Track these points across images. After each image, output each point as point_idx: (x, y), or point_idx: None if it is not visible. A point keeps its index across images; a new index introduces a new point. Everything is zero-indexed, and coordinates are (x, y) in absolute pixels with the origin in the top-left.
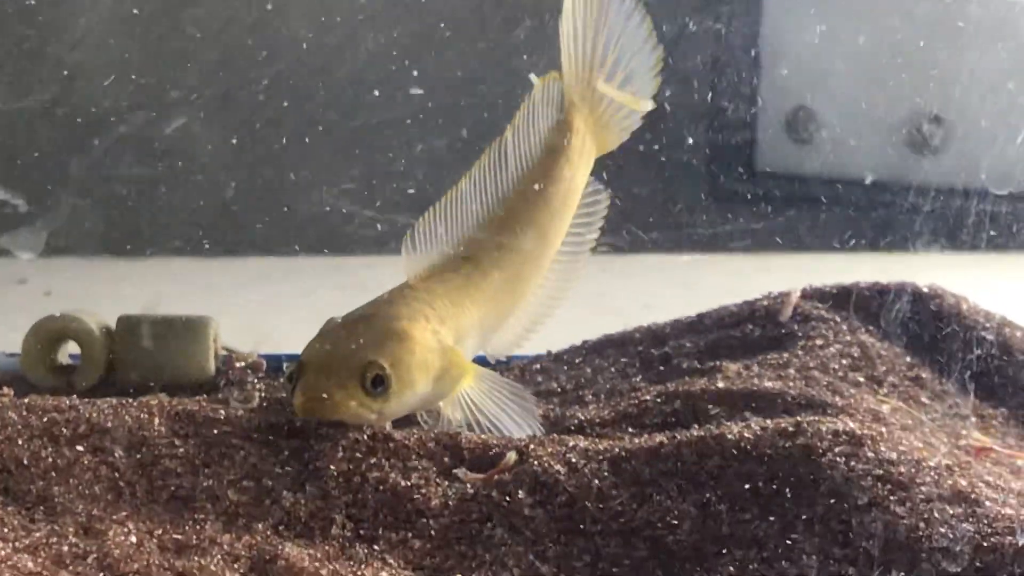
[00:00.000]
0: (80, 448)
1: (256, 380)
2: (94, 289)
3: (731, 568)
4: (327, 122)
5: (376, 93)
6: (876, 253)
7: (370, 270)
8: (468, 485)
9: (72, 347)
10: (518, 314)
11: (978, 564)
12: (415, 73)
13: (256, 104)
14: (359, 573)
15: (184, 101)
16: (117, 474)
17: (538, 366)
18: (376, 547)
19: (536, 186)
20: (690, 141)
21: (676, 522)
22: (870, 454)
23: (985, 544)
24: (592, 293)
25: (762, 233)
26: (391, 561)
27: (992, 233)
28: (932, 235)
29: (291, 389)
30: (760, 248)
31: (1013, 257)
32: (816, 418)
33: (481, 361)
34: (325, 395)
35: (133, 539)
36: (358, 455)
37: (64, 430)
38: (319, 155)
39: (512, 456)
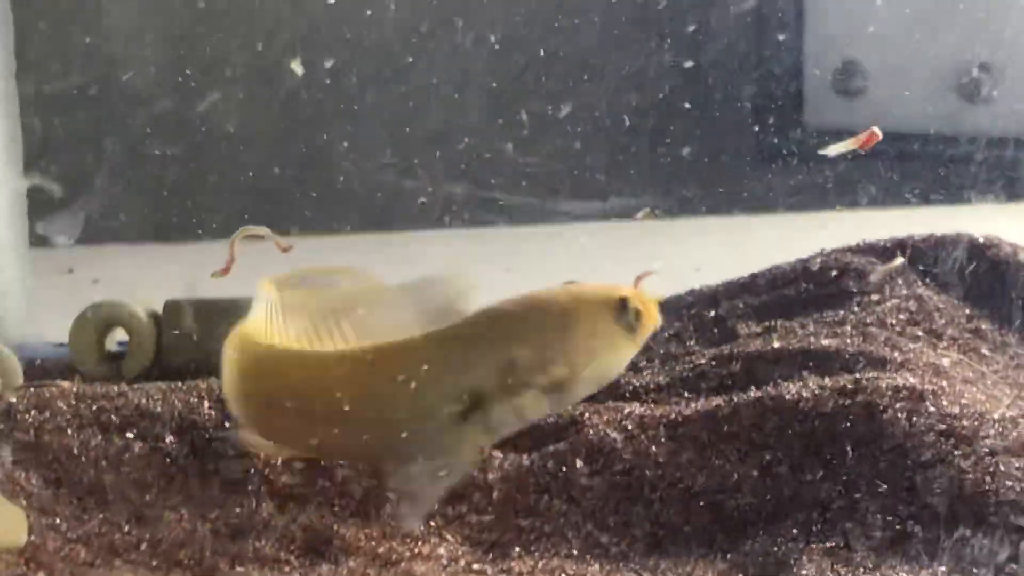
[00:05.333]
0: (130, 435)
1: None
2: (142, 275)
3: (794, 530)
4: (368, 98)
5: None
6: (930, 206)
7: (416, 245)
8: (524, 457)
9: (120, 334)
10: None
11: None
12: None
13: (297, 83)
14: (416, 550)
15: (224, 82)
16: (168, 460)
17: None
18: (433, 523)
19: None
20: (737, 100)
21: (737, 486)
22: (932, 409)
23: None
24: (641, 257)
25: (813, 190)
26: (448, 537)
27: None
28: (986, 185)
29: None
30: (811, 206)
31: None
32: (876, 374)
33: None
34: None
35: (186, 525)
36: None
37: (113, 418)
38: (361, 132)
39: None
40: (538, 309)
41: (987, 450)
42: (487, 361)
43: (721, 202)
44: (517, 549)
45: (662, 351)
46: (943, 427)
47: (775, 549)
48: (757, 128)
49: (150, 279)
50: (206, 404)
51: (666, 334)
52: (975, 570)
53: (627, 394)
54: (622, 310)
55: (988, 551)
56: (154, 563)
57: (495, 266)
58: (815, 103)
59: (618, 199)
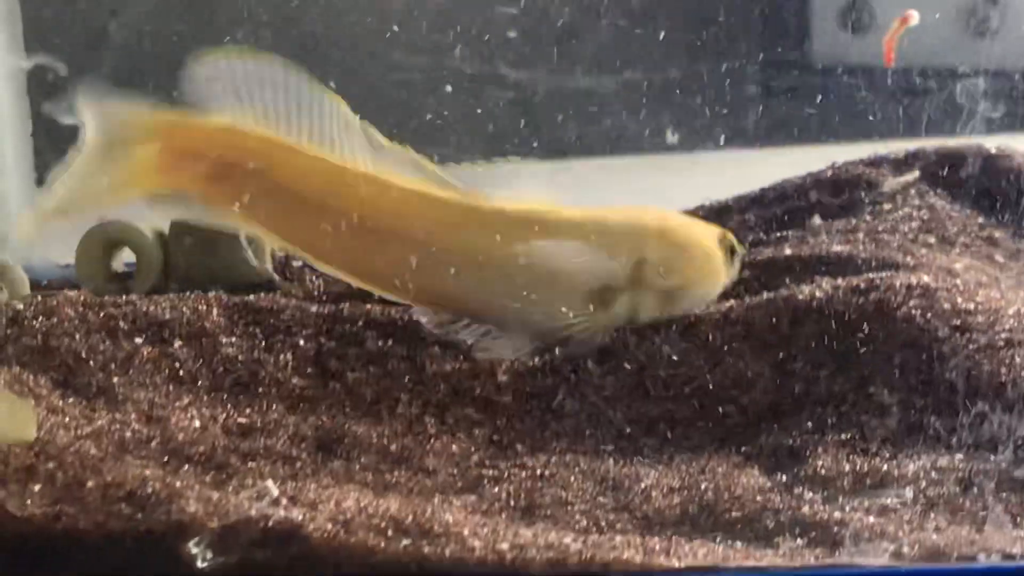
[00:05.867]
0: (138, 340)
1: (316, 276)
2: None
3: (809, 424)
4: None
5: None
6: (939, 137)
7: None
8: (536, 358)
9: (127, 255)
10: None
11: None
12: None
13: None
14: (428, 447)
15: None
16: (178, 364)
17: None
18: (445, 423)
19: None
20: (742, 36)
21: (751, 383)
22: (946, 305)
23: None
24: (648, 190)
25: (821, 126)
26: (460, 435)
27: None
28: (995, 119)
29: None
30: (819, 141)
31: None
32: (889, 273)
33: None
34: None
35: (197, 423)
36: (421, 335)
37: (122, 324)
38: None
39: None
40: (668, 225)
41: (1003, 343)
42: (623, 258)
43: (727, 137)
44: (529, 445)
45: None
46: (957, 322)
47: (789, 442)
48: (764, 64)
49: None
50: (215, 311)
51: None
52: (991, 453)
53: None
54: (724, 242)
55: (1006, 430)
56: (165, 459)
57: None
58: (822, 39)
59: (626, 134)
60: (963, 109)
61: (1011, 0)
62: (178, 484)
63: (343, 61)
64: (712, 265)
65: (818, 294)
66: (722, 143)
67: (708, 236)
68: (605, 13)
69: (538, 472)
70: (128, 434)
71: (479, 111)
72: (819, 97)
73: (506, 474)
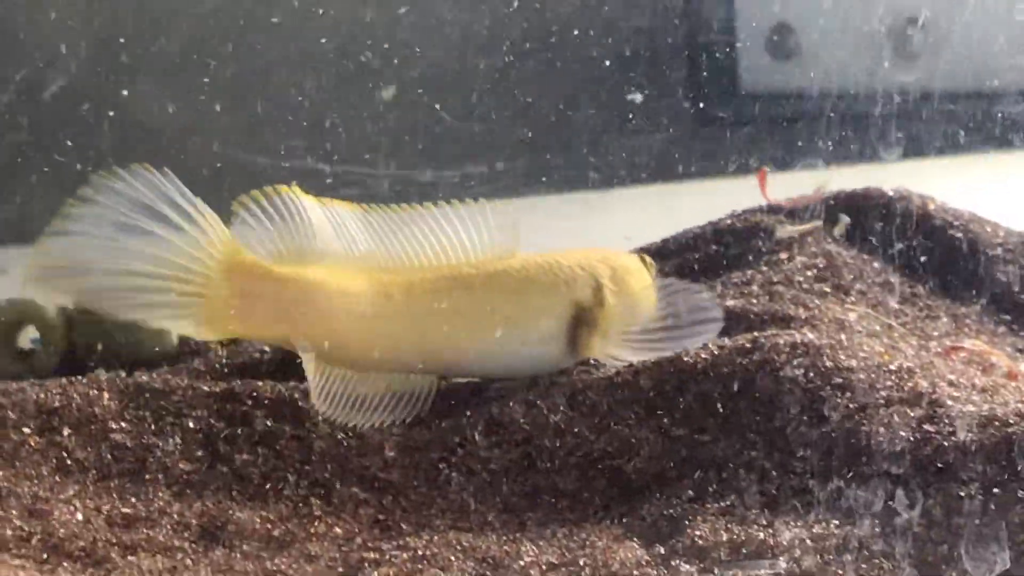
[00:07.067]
0: (26, 430)
1: (220, 347)
2: None
3: (690, 491)
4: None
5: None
6: (868, 164)
7: None
8: (423, 431)
9: (33, 331)
10: None
11: (939, 464)
12: None
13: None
14: (312, 530)
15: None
16: (65, 453)
17: None
18: (331, 503)
19: None
20: (670, 67)
21: (635, 450)
22: (828, 364)
23: (946, 443)
24: (572, 230)
25: (749, 155)
26: (345, 516)
27: (987, 134)
28: (922, 140)
29: None
30: (748, 171)
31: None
32: (774, 332)
33: None
34: None
35: (79, 516)
36: (312, 411)
37: (11, 413)
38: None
39: None
40: (606, 254)
41: (883, 401)
42: (584, 280)
43: (656, 170)
44: (414, 523)
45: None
46: (839, 380)
47: (670, 511)
48: (692, 94)
49: None
50: (106, 396)
51: None
52: (865, 518)
53: None
54: (645, 262)
55: (882, 493)
56: (44, 556)
57: None
58: (749, 68)
59: (553, 171)
60: (890, 132)
61: (937, 22)
62: None
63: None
64: (645, 277)
65: (703, 355)
66: (644, 177)
67: (634, 258)
68: (527, 44)
69: (419, 553)
70: (9, 531)
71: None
72: (747, 126)
73: (388, 556)
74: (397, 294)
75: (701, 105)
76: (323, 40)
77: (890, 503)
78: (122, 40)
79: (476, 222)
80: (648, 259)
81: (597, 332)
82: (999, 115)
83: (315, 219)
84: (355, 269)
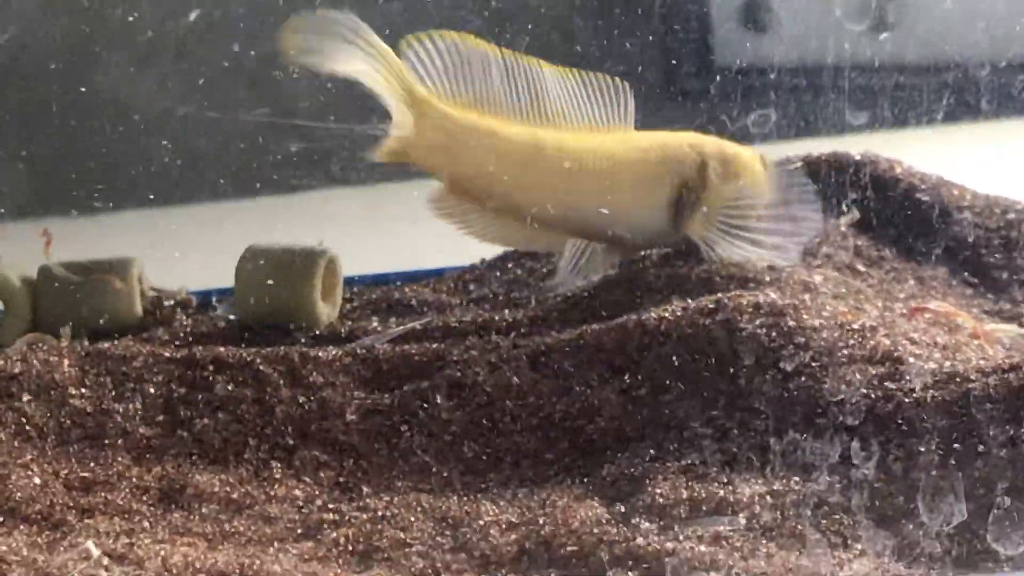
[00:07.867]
0: None
1: (185, 317)
2: (27, 248)
3: (651, 451)
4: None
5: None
6: (843, 135)
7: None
8: (384, 395)
9: None
10: None
11: (899, 420)
12: None
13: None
14: (272, 493)
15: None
16: (24, 419)
17: (470, 275)
18: (292, 467)
19: None
20: (644, 40)
21: (597, 411)
22: (791, 323)
23: (907, 400)
24: None
25: (724, 128)
26: (306, 478)
27: (962, 104)
28: (896, 112)
29: None
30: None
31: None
32: (737, 292)
33: None
34: None
35: (37, 480)
36: (273, 375)
37: None
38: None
39: None
40: (716, 140)
41: (844, 360)
42: (692, 158)
43: None
44: (375, 486)
45: (539, 286)
46: (802, 339)
47: (631, 470)
48: (667, 68)
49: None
50: (66, 363)
51: (545, 271)
52: (826, 474)
53: (500, 329)
54: (763, 159)
55: (843, 450)
56: (0, 519)
57: None
58: (723, 41)
59: None
60: (866, 104)
61: None
62: (3, 548)
63: None
64: (756, 168)
65: (667, 316)
66: None
67: (751, 152)
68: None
69: (379, 514)
70: None
71: None
72: (721, 100)
73: (347, 517)
74: (550, 148)
75: (676, 78)
76: None
77: (850, 459)
78: None
79: (607, 92)
80: (768, 159)
81: (698, 211)
82: (974, 86)
83: (479, 63)
84: (511, 117)
